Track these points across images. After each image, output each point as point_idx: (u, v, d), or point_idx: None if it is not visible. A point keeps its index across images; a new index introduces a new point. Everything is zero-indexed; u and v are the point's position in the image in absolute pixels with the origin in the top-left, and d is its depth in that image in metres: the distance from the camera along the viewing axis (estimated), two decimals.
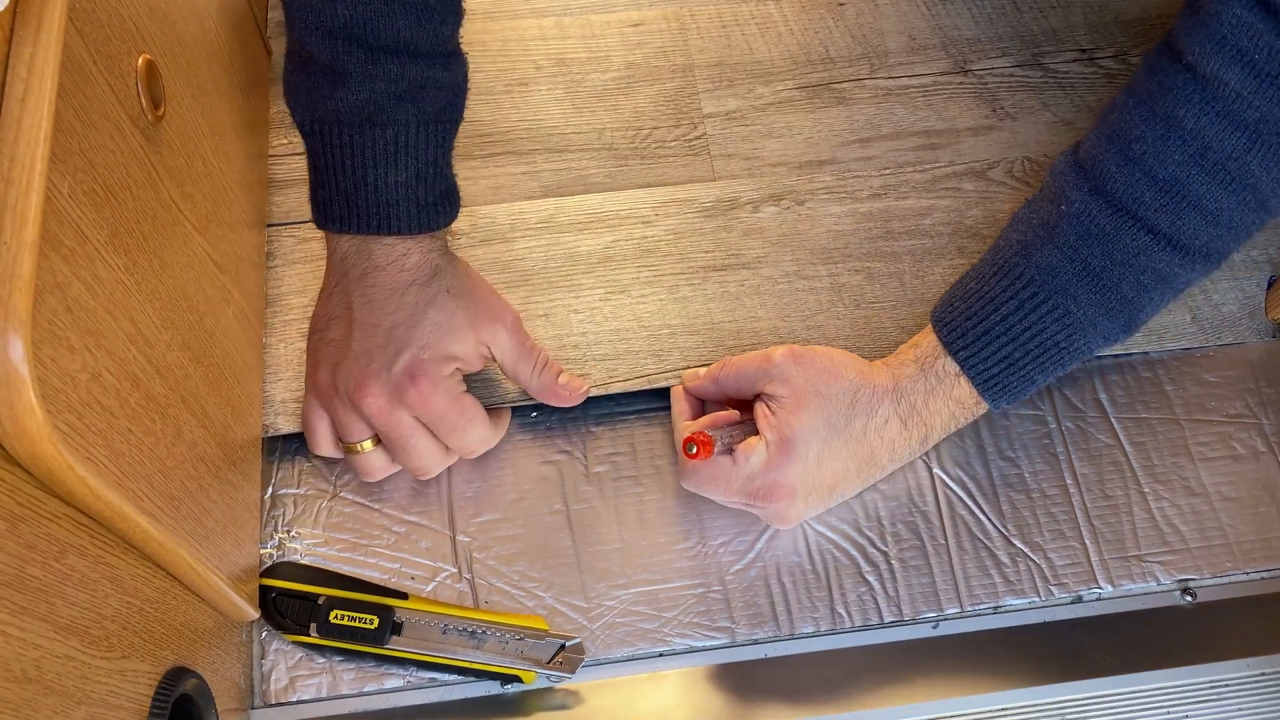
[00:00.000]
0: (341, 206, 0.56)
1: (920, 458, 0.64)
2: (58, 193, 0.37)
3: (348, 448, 0.59)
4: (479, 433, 0.59)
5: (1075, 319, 0.57)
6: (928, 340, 0.60)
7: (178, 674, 0.46)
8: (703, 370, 0.63)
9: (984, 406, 0.60)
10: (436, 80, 0.56)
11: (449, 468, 0.63)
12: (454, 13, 0.57)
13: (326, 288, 0.59)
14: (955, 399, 0.59)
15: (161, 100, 0.48)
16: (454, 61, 0.58)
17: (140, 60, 0.46)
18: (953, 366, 0.59)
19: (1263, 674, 0.61)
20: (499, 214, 0.69)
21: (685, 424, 0.61)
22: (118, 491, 0.39)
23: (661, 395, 0.65)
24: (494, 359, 0.60)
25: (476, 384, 0.63)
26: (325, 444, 0.60)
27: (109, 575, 0.41)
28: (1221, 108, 0.53)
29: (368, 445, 0.59)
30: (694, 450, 0.55)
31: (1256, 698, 0.60)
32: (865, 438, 0.58)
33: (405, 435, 0.57)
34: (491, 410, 0.61)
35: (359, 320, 0.57)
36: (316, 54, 0.54)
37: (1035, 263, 0.58)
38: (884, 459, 0.59)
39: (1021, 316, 0.58)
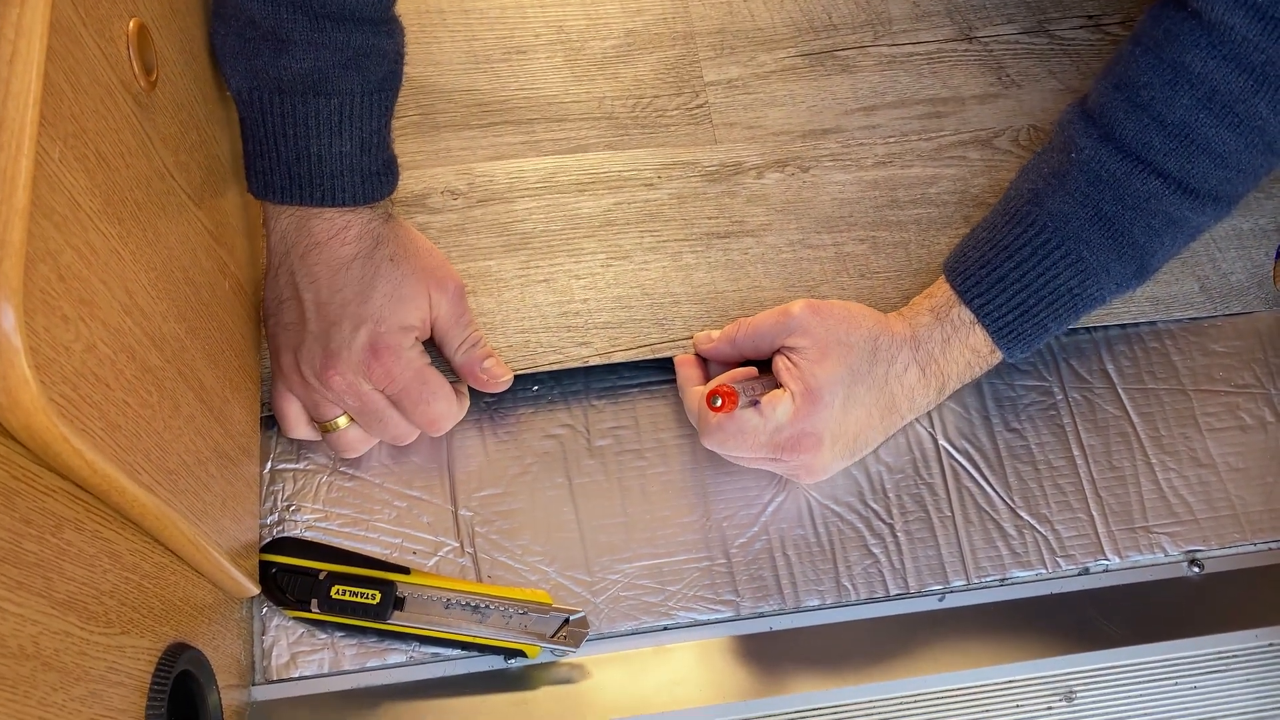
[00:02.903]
0: (283, 178, 0.55)
1: (926, 429, 0.64)
2: (48, 158, 0.36)
3: (323, 427, 0.59)
4: (442, 406, 0.58)
5: (1088, 264, 0.57)
6: (941, 290, 0.60)
7: (178, 650, 0.46)
8: (715, 333, 0.62)
9: (998, 355, 0.60)
10: (380, 48, 0.55)
11: (449, 442, 0.62)
12: None
13: (271, 269, 0.58)
14: (971, 348, 0.59)
15: (154, 66, 0.47)
16: (395, 28, 0.57)
17: (132, 24, 0.45)
18: (967, 315, 0.59)
19: (1270, 644, 0.60)
20: (497, 172, 0.68)
21: (697, 388, 0.60)
22: (114, 464, 0.39)
23: (665, 368, 0.64)
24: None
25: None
26: (298, 427, 0.59)
27: (106, 550, 0.41)
28: (1228, 51, 0.54)
29: (342, 422, 0.58)
30: (719, 403, 0.54)
31: (1264, 668, 0.60)
32: (887, 384, 0.58)
33: (378, 408, 0.57)
34: (455, 387, 0.60)
35: (308, 301, 0.56)
36: (257, 18, 0.52)
37: (1048, 210, 0.58)
38: (904, 407, 0.59)
39: (1035, 263, 0.58)
